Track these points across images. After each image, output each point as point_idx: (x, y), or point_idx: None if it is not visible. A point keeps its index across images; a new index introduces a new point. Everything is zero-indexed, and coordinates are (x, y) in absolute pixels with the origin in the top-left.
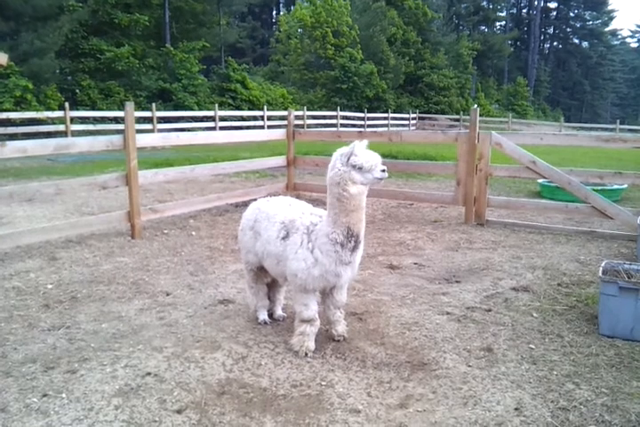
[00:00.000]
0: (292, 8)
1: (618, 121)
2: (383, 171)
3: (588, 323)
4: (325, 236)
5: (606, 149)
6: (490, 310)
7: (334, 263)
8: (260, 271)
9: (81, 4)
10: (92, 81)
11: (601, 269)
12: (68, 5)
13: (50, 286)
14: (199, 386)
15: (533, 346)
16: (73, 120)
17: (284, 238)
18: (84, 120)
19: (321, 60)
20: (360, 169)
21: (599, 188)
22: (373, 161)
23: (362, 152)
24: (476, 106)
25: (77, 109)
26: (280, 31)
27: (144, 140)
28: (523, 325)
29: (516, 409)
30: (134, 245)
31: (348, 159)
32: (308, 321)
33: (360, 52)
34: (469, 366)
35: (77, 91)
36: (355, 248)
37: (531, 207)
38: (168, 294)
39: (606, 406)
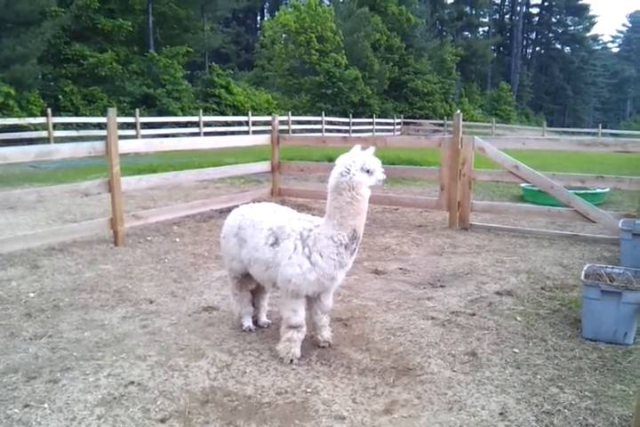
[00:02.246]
0: (277, 13)
1: (600, 125)
2: (383, 173)
3: (571, 326)
4: (329, 239)
5: (588, 154)
6: (474, 315)
7: (333, 267)
8: (244, 278)
9: (63, 10)
10: (74, 87)
11: (583, 272)
12: (50, 11)
13: (32, 295)
14: (183, 395)
15: (517, 350)
16: (56, 126)
17: (272, 245)
18: (66, 126)
19: (305, 66)
20: (371, 173)
21: (582, 191)
22: (378, 164)
23: (371, 157)
24: (459, 111)
25: (60, 115)
26: (264, 36)
27: (127, 147)
28: (507, 329)
29: (500, 414)
30: (117, 252)
31: (363, 164)
32: (296, 327)
33: (344, 57)
34: (454, 370)
35: (60, 97)
36: (354, 251)
37: (514, 211)
38: (151, 302)
39: (590, 409)
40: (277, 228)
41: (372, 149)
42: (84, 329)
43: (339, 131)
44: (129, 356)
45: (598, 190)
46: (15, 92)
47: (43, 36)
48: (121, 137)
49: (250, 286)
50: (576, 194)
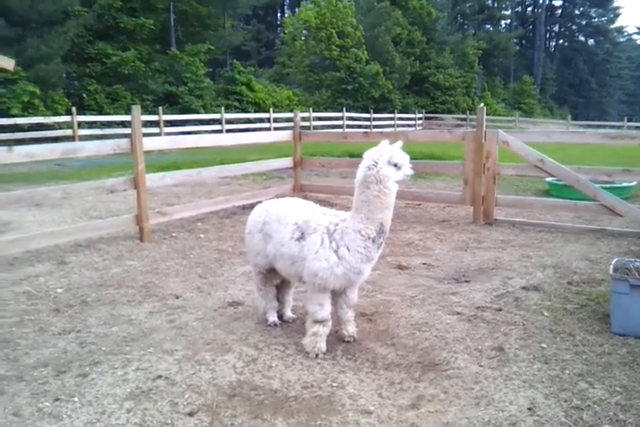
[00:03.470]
0: (297, 10)
1: (625, 118)
2: (411, 168)
3: (599, 321)
4: (356, 232)
5: (614, 147)
6: (500, 310)
7: (360, 260)
8: (269, 273)
9: (86, 9)
10: (98, 85)
11: (612, 266)
12: (73, 10)
13: (60, 291)
14: (210, 389)
15: (545, 345)
16: (80, 125)
17: (298, 239)
18: (91, 125)
19: (326, 62)
20: (398, 167)
21: (608, 185)
22: (407, 159)
23: (399, 151)
24: (482, 105)
25: (84, 114)
26: (285, 33)
27: (151, 144)
28: (534, 324)
29: (529, 409)
30: (143, 248)
31: (390, 158)
32: (322, 322)
33: (365, 52)
34: (481, 366)
35: (84, 95)
36: (381, 245)
37: (539, 206)
38: (177, 297)
39: (620, 404)
40: (303, 222)
41: (399, 143)
42: (112, 324)
43: (360, 126)
44: (156, 350)
45: (625, 184)
46: (40, 91)
47: (66, 36)
48: (144, 135)
49: (274, 280)
50: (602, 188)
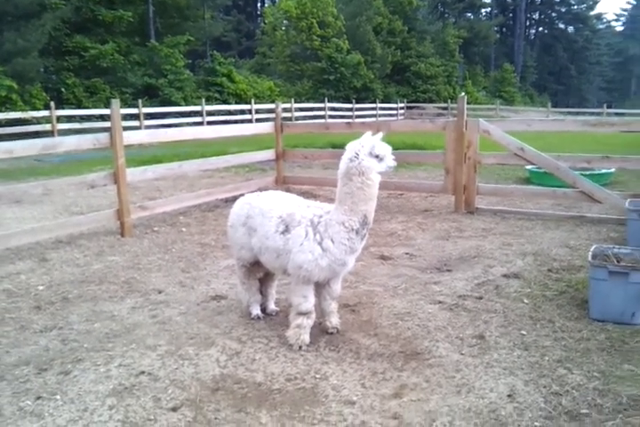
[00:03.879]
0: (277, 0)
1: (605, 105)
2: (393, 159)
3: (578, 308)
4: (340, 224)
5: (594, 134)
6: (481, 298)
7: (344, 252)
8: (252, 267)
9: (63, 2)
10: (77, 79)
11: (590, 253)
12: (50, 3)
13: (41, 288)
14: (193, 383)
15: (525, 332)
16: (59, 119)
17: (283, 233)
18: (70, 119)
19: (307, 52)
20: (380, 158)
21: (587, 172)
22: (389, 151)
23: (380, 143)
24: (463, 94)
25: (63, 108)
26: (265, 23)
27: (131, 138)
28: (514, 311)
29: (509, 396)
30: (124, 243)
31: (372, 150)
32: (306, 314)
33: (346, 42)
34: (462, 354)
35: (63, 89)
36: (364, 236)
37: (520, 194)
38: (160, 292)
39: (598, 389)
40: (287, 215)
41: (380, 135)
42: (94, 320)
43: (342, 117)
44: (139, 346)
45: (604, 171)
46: (17, 85)
47: (43, 29)
48: (124, 128)
49: (258, 274)
50: (582, 175)
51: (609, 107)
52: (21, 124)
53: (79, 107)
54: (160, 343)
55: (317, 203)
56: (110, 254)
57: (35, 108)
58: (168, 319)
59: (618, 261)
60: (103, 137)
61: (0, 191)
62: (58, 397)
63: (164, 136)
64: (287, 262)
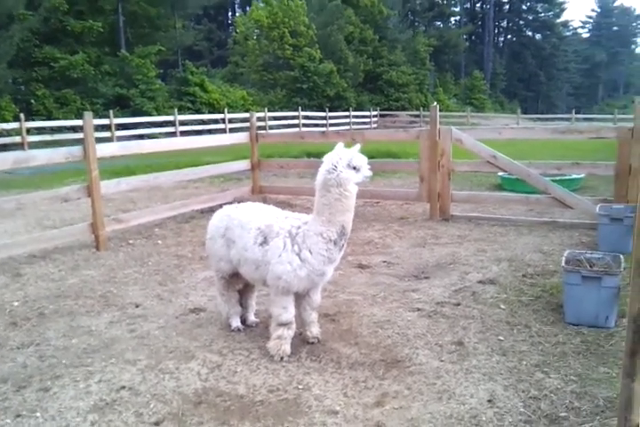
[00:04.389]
0: (248, 9)
1: (573, 111)
2: (369, 169)
3: (553, 312)
4: (318, 235)
5: (563, 140)
6: (459, 304)
7: (322, 262)
8: (231, 278)
9: (31, 13)
10: (46, 90)
11: (564, 258)
12: (18, 14)
13: (16, 304)
14: (175, 397)
15: (502, 338)
16: (29, 131)
17: (262, 244)
18: (40, 131)
19: (280, 61)
20: (357, 169)
21: (558, 178)
22: (365, 161)
23: (358, 154)
24: (435, 103)
25: (33, 120)
26: (237, 33)
27: (104, 151)
28: (491, 317)
29: (489, 401)
30: (99, 257)
31: (350, 161)
32: (286, 324)
33: (318, 51)
34: (442, 360)
35: (32, 101)
36: (342, 247)
37: (493, 200)
38: (137, 306)
39: (575, 393)
40: (266, 227)
41: (357, 146)
42: (72, 336)
43: (316, 125)
44: (118, 361)
45: (574, 176)
46: None
47: (12, 40)
48: (96, 139)
49: (237, 285)
50: (553, 180)
51: (577, 112)
52: None
53: (49, 118)
54: (140, 358)
55: (295, 214)
56: (85, 268)
57: (4, 121)
58: (147, 333)
59: (590, 266)
60: (76, 150)
61: None
62: (38, 414)
63: (137, 148)
64: (266, 274)
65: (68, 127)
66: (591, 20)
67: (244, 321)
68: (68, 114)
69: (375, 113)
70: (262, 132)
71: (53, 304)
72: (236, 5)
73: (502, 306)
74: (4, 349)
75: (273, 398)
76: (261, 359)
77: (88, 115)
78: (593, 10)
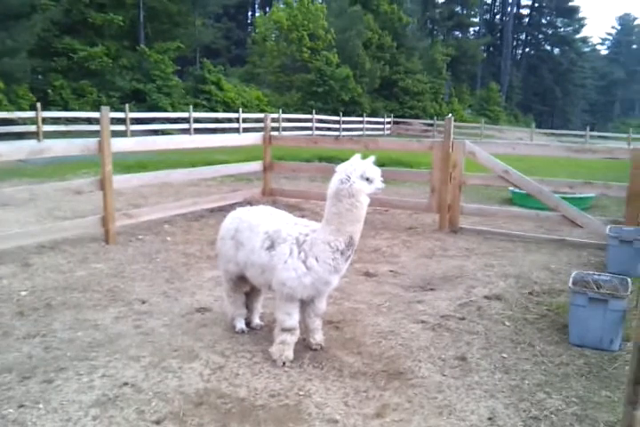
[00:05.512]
0: (268, 10)
1: (588, 127)
2: (382, 181)
3: (558, 332)
4: (325, 244)
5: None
6: (463, 319)
7: (328, 272)
8: (239, 280)
9: (54, 3)
10: (64, 81)
11: (571, 279)
12: (40, 4)
13: (24, 293)
14: (177, 396)
15: (506, 355)
16: (45, 120)
17: (268, 249)
18: (56, 120)
19: (297, 63)
20: (370, 181)
21: (569, 196)
22: (378, 173)
23: (372, 166)
24: (450, 115)
25: (49, 110)
26: (256, 33)
27: (120, 146)
28: (495, 333)
29: (489, 419)
30: (109, 250)
31: (363, 173)
32: (290, 330)
33: (336, 55)
34: (444, 375)
35: (49, 91)
36: (349, 257)
37: (503, 215)
38: (144, 302)
39: (576, 415)
40: (274, 231)
41: (372, 158)
42: (77, 329)
43: (329, 129)
44: (122, 356)
45: (585, 195)
46: (4, 85)
47: (32, 30)
48: (111, 133)
49: (244, 288)
50: (563, 198)
51: (592, 129)
52: (6, 125)
53: (66, 109)
54: (143, 355)
55: (305, 221)
56: (94, 261)
57: (21, 109)
58: (151, 330)
59: (598, 288)
60: (92, 144)
61: None
62: (41, 406)
63: (152, 145)
64: (272, 278)
65: (83, 118)
66: (610, 38)
67: (248, 324)
68: (83, 105)
69: (389, 120)
70: (275, 133)
71: (61, 296)
72: (256, 5)
73: (507, 323)
74: (10, 338)
75: (274, 402)
76: (264, 363)
77: (105, 109)
78: (613, 27)
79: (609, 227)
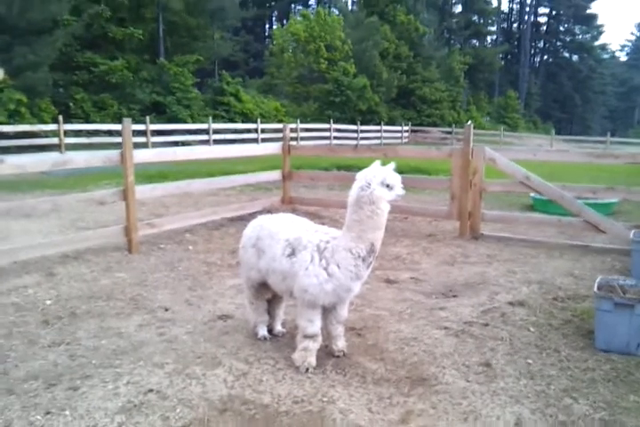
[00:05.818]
0: (285, 22)
1: (608, 133)
2: (402, 188)
3: (584, 338)
4: (347, 251)
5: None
6: (487, 325)
7: (349, 278)
8: (260, 287)
9: (75, 18)
10: (85, 94)
11: (596, 284)
12: (62, 19)
13: (48, 302)
14: (201, 403)
15: (531, 361)
16: (67, 133)
17: (289, 256)
18: (77, 133)
19: (314, 74)
20: (391, 188)
21: (591, 201)
22: (399, 180)
23: (392, 172)
24: (469, 122)
25: (71, 122)
26: (274, 44)
27: (141, 157)
28: (520, 339)
29: (516, 424)
30: (131, 260)
31: (384, 179)
32: (312, 337)
33: (353, 66)
34: (468, 381)
35: (71, 104)
36: (370, 264)
37: (524, 221)
38: (167, 310)
39: (604, 420)
40: (294, 239)
41: (392, 165)
42: (102, 337)
43: (347, 138)
44: (147, 364)
45: (607, 200)
46: (27, 99)
47: (54, 45)
48: (133, 144)
49: (266, 295)
50: (586, 204)
51: (612, 135)
52: (29, 137)
53: (87, 121)
54: (167, 361)
55: (326, 228)
56: (117, 271)
57: (43, 122)
58: (175, 338)
59: (623, 293)
60: (114, 155)
61: (10, 206)
62: (67, 412)
63: (173, 156)
64: (293, 285)
65: (104, 131)
66: (630, 44)
67: (270, 330)
68: (105, 117)
69: (407, 128)
70: (294, 143)
71: (85, 304)
72: (274, 18)
73: (532, 329)
74: (35, 346)
75: (297, 409)
76: (287, 370)
77: (127, 121)
78: (632, 33)
79: (633, 232)
